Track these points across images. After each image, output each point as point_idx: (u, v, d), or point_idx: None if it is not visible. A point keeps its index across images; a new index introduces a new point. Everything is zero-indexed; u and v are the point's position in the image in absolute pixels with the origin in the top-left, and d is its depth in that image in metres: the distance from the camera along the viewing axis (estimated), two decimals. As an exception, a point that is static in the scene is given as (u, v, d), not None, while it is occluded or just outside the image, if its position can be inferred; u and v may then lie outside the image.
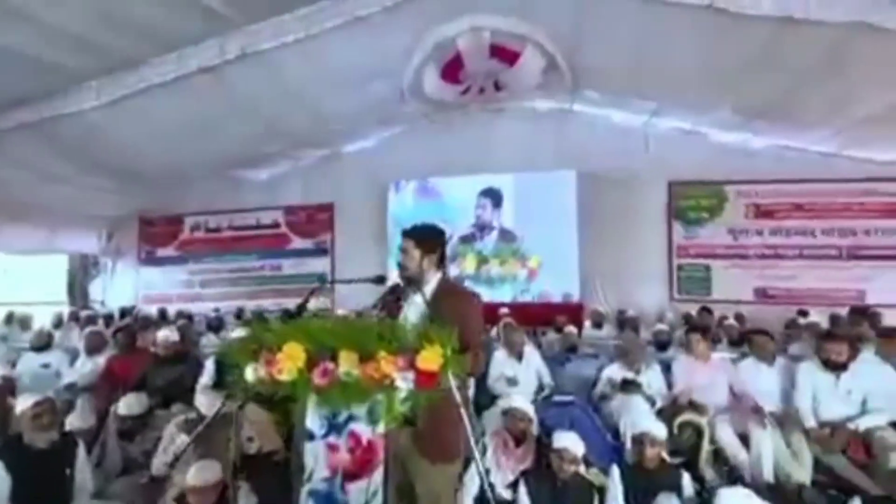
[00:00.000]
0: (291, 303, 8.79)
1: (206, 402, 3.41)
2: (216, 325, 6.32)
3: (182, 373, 4.20)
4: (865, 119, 6.63)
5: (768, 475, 3.05)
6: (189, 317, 7.81)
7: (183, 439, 3.02)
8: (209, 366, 4.08)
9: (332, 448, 1.42)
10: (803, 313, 6.68)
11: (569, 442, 2.36)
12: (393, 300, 2.14)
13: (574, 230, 7.87)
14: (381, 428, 1.39)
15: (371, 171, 9.01)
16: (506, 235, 8.26)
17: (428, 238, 2.09)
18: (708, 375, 3.44)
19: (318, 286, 2.40)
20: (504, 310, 6.44)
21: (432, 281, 2.03)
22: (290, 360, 1.36)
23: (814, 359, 3.44)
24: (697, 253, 8.16)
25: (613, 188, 8.11)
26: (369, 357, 1.32)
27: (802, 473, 3.04)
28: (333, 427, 1.42)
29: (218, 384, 3.91)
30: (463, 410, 1.38)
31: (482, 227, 8.22)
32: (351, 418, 1.40)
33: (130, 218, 10.07)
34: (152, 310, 8.96)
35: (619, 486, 2.38)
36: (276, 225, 9.66)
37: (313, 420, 1.44)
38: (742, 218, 8.07)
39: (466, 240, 8.31)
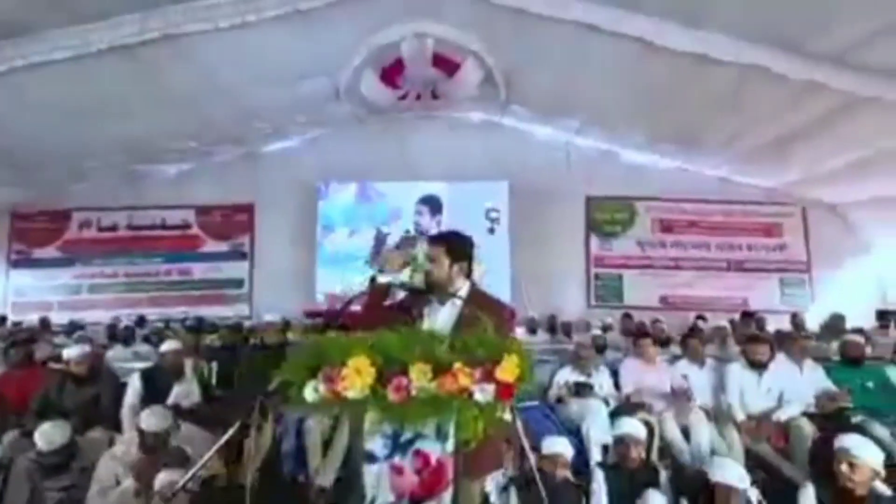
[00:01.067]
0: (203, 311, 8.13)
1: (154, 422, 2.95)
2: (125, 335, 5.57)
3: (98, 392, 3.64)
4: (753, 150, 7.67)
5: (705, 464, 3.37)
6: (80, 326, 6.80)
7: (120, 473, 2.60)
8: (135, 383, 3.59)
9: (397, 470, 1.30)
10: (702, 318, 7.49)
11: (561, 447, 2.42)
12: (406, 307, 2.03)
13: (506, 239, 8.12)
14: (450, 446, 1.31)
15: (297, 172, 8.57)
16: (422, 242, 8.29)
17: (458, 245, 2.02)
18: (655, 376, 3.74)
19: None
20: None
21: (462, 290, 1.96)
22: (357, 376, 1.23)
23: (739, 359, 3.91)
24: (611, 263, 8.82)
25: (539, 200, 8.51)
26: (443, 370, 1.24)
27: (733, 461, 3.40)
28: (398, 447, 1.30)
29: (147, 403, 3.44)
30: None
31: (421, 234, 8.17)
32: (417, 437, 1.30)
33: None
34: (31, 319, 7.65)
35: (603, 488, 2.49)
36: (186, 225, 8.77)
37: (374, 440, 1.31)
38: (649, 232, 8.89)
39: (400, 246, 8.19)
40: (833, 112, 6.11)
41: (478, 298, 1.95)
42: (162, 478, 2.41)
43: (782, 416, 3.55)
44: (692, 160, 8.67)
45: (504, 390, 1.26)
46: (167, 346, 3.87)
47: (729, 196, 8.78)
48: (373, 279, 2.17)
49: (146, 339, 5.81)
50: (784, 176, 8.35)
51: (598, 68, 6.45)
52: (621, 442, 2.60)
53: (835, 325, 6.16)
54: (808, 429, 3.37)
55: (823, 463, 2.67)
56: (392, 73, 6.86)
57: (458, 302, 1.90)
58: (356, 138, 8.45)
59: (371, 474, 1.30)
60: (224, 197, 8.79)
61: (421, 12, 5.94)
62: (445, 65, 6.75)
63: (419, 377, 1.23)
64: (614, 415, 3.57)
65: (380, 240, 8.19)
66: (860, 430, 3.45)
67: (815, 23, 4.82)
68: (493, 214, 8.28)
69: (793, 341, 4.03)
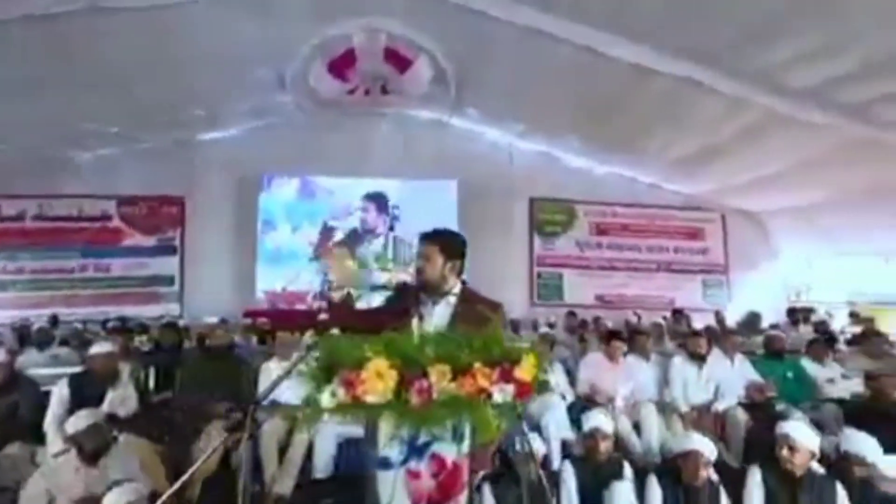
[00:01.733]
0: (127, 310, 7.47)
1: (84, 423, 2.63)
2: (40, 338, 4.96)
3: (15, 402, 3.24)
4: (682, 159, 8.25)
5: (656, 455, 3.59)
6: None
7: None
8: (62, 390, 3.22)
9: (414, 475, 1.26)
10: (637, 316, 7.96)
11: (538, 443, 2.47)
12: (401, 309, 1.97)
13: (454, 238, 8.16)
14: (465, 447, 1.29)
15: (235, 163, 8.10)
16: (394, 241, 8.16)
17: (452, 243, 1.98)
18: (614, 373, 3.91)
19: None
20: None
21: (455, 289, 1.93)
22: (378, 380, 1.17)
23: (678, 354, 4.19)
24: (553, 263, 9.15)
25: (486, 200, 8.65)
26: (463, 371, 1.22)
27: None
28: (414, 451, 1.26)
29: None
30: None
31: (367, 231, 8.00)
32: (433, 440, 1.27)
33: None
34: None
35: (573, 480, 2.57)
36: (105, 217, 8.01)
37: (388, 445, 1.26)
38: (587, 234, 9.31)
39: (346, 244, 7.99)
40: (754, 127, 6.70)
41: (470, 297, 1.94)
42: (112, 499, 2.17)
43: (720, 406, 3.84)
44: (627, 166, 9.18)
45: (522, 390, 1.26)
46: (97, 348, 3.51)
47: (658, 201, 9.40)
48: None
49: (64, 342, 5.24)
50: (707, 184, 9.06)
51: (545, 74, 6.65)
52: (591, 436, 2.70)
53: (752, 322, 6.77)
54: (742, 417, 3.68)
55: (761, 447, 2.92)
56: (342, 65, 6.67)
57: (452, 300, 1.87)
58: (300, 131, 8.12)
59: (386, 480, 1.25)
60: (151, 187, 8.12)
61: (376, 6, 5.83)
62: (397, 61, 6.67)
63: (440, 379, 1.19)
64: (569, 409, 3.69)
65: (325, 235, 7.93)
66: (783, 417, 3.83)
67: (745, 43, 5.26)
68: (442, 213, 8.26)
69: (725, 337, 4.38)
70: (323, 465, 3.46)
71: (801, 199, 8.44)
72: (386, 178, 8.37)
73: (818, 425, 3.83)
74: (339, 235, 7.99)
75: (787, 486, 2.39)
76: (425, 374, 1.20)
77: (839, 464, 2.46)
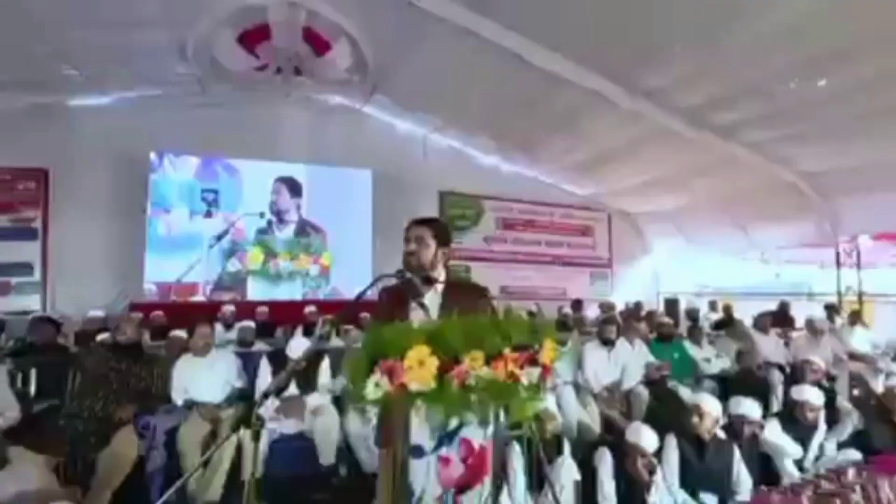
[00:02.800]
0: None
1: None
2: None
3: None
4: (578, 163, 9.00)
5: (574, 432, 3.94)
6: None
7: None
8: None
9: (445, 461, 1.26)
10: (537, 306, 8.54)
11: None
12: (394, 297, 1.93)
13: (369, 229, 8.02)
14: (490, 431, 1.33)
15: (118, 136, 7.08)
16: (306, 228, 7.74)
17: (444, 230, 1.98)
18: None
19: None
20: (311, 308, 6.09)
21: (442, 276, 1.94)
22: (420, 367, 1.16)
23: (593, 339, 4.64)
24: (461, 255, 9.42)
25: (398, 191, 8.62)
26: (495, 356, 1.25)
27: (595, 427, 4.04)
28: (445, 437, 1.27)
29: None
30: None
31: (279, 218, 7.49)
32: (462, 425, 1.29)
33: None
34: None
35: (521, 458, 2.74)
36: (-61, 190, 6.56)
37: (421, 434, 1.25)
38: (493, 228, 9.74)
39: (258, 231, 7.42)
40: (640, 139, 7.56)
41: (458, 283, 1.97)
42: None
43: (626, 385, 4.32)
44: (529, 167, 9.77)
45: (546, 373, 1.34)
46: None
47: (554, 200, 10.15)
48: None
49: None
50: (598, 187, 10.01)
51: (466, 72, 6.81)
52: (538, 417, 2.88)
53: (635, 310, 7.64)
54: (644, 394, 4.17)
55: (661, 418, 3.36)
56: (253, 38, 6.20)
57: (440, 288, 1.90)
58: (199, 106, 7.35)
59: (418, 469, 1.25)
60: (4, 157, 6.82)
61: (299, -20, 5.51)
62: (316, 42, 6.37)
63: (474, 365, 1.23)
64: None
65: (230, 221, 7.30)
66: (675, 393, 4.42)
67: (642, 64, 5.92)
68: (355, 202, 8.06)
69: (628, 324, 4.91)
70: (252, 466, 3.25)
71: (669, 203, 9.70)
72: (294, 162, 7.91)
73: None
74: (245, 221, 7.38)
75: (696, 448, 2.79)
76: (458, 361, 1.22)
77: (732, 426, 2.93)
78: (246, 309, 6.09)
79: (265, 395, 1.56)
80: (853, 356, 5.52)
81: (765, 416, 3.53)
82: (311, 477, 3.37)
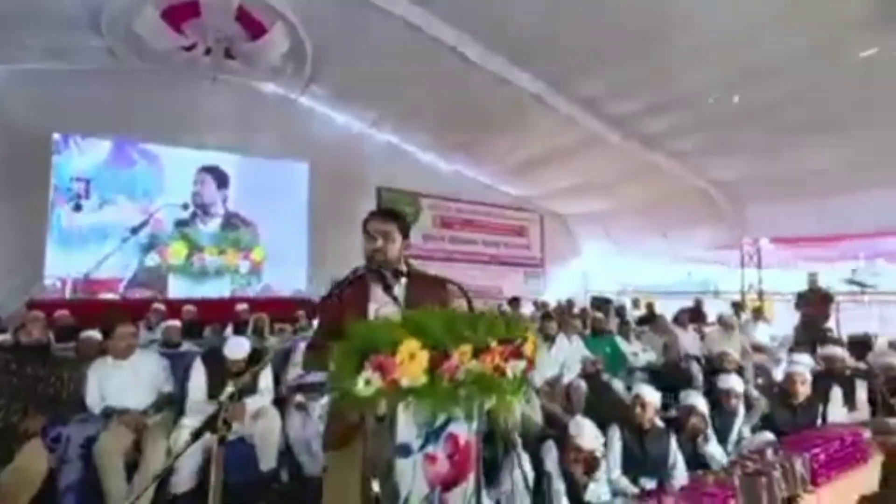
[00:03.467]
0: None
1: None
2: None
3: None
4: (514, 165, 9.24)
5: (517, 425, 4.02)
6: None
7: None
8: None
9: (431, 459, 1.21)
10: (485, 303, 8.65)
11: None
12: (356, 291, 1.83)
13: (304, 223, 7.69)
14: (475, 425, 1.29)
15: (13, 113, 6.26)
16: (234, 221, 7.24)
17: (405, 223, 1.90)
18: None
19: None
20: (243, 306, 5.73)
21: (403, 269, 1.87)
22: (413, 362, 1.10)
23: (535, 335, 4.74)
24: (398, 253, 9.32)
25: (335, 186, 8.37)
26: (483, 350, 1.22)
27: (536, 419, 4.15)
28: (431, 435, 1.21)
29: None
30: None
31: (203, 210, 6.94)
32: (448, 420, 1.24)
33: None
34: None
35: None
36: None
37: (408, 431, 1.18)
38: (431, 227, 9.74)
39: (180, 224, 6.83)
40: (575, 144, 7.90)
41: (420, 276, 1.91)
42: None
43: (565, 379, 4.47)
44: (467, 166, 9.89)
45: (529, 366, 1.33)
46: None
47: (491, 200, 10.36)
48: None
49: None
50: (532, 189, 10.34)
51: (408, 67, 6.75)
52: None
53: (568, 308, 7.96)
54: (584, 388, 4.35)
55: (598, 410, 3.52)
56: (180, 14, 5.74)
57: (404, 281, 1.83)
58: (113, 84, 6.67)
59: (406, 469, 1.19)
60: None
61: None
62: (251, 24, 6.02)
63: (463, 359, 1.20)
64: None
65: (148, 212, 6.68)
66: (608, 385, 4.65)
67: (582, 72, 6.18)
68: (290, 196, 7.70)
69: (565, 320, 5.10)
70: (185, 477, 2.99)
71: (597, 206, 10.24)
72: (222, 151, 7.41)
73: (629, 388, 4.75)
74: (165, 212, 6.80)
75: (637, 437, 2.94)
76: (447, 355, 1.18)
77: (677, 419, 3.12)
78: (169, 307, 5.60)
79: (231, 397, 1.42)
80: (756, 348, 6.11)
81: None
82: (251, 484, 3.16)
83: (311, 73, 7.39)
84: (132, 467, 2.90)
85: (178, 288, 6.66)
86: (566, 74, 6.28)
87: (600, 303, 8.49)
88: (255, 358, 3.40)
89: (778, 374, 5.56)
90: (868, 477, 3.05)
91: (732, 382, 3.32)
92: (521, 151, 8.74)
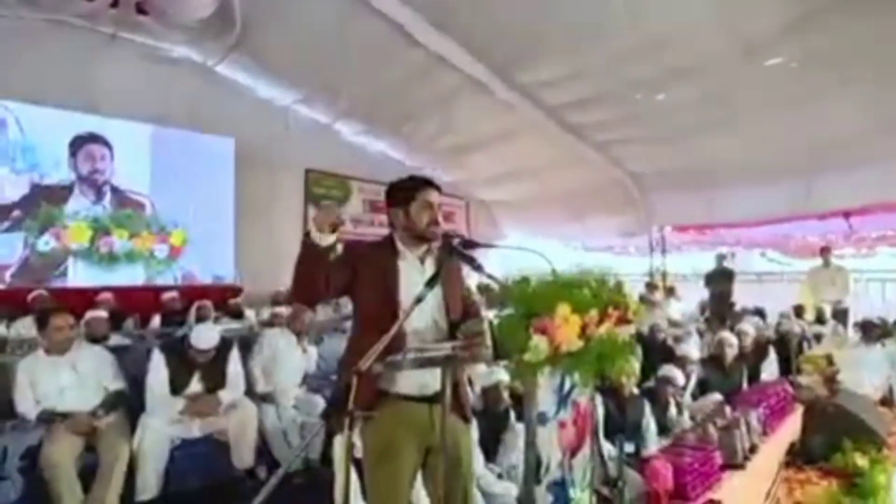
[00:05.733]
0: None
1: None
2: None
3: None
4: (444, 149, 9.27)
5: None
6: None
7: None
8: None
9: (562, 425, 1.18)
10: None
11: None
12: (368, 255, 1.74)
13: (231, 205, 7.02)
14: (588, 390, 1.29)
15: None
16: (138, 200, 6.37)
17: None
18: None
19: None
20: (171, 294, 5.10)
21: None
22: (568, 326, 1.05)
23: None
24: (328, 237, 8.94)
25: (260, 165, 7.80)
26: (602, 314, 1.22)
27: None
28: (562, 401, 1.18)
29: None
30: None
31: (94, 186, 5.95)
32: (573, 387, 1.22)
33: None
34: None
35: (475, 431, 2.75)
36: None
37: (546, 399, 1.14)
38: (360, 210, 9.47)
39: (55, 200, 5.79)
40: (507, 132, 8.12)
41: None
42: None
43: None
44: (397, 148, 9.69)
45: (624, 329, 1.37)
46: None
47: (420, 185, 10.29)
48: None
49: None
50: (460, 174, 10.44)
51: (342, 42, 6.42)
52: (496, 388, 2.91)
53: (498, 297, 8.24)
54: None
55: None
56: (87, -43, 4.91)
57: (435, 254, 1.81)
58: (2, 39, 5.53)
59: (544, 436, 1.16)
60: None
61: None
62: (174, -23, 5.33)
63: (592, 324, 1.20)
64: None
65: (37, 190, 5.64)
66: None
67: (524, 59, 6.34)
68: (213, 174, 6.98)
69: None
70: (150, 482, 2.65)
71: (520, 193, 10.64)
72: (130, 119, 6.50)
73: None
74: (63, 189, 5.81)
75: (618, 402, 3.16)
76: (587, 320, 1.18)
77: (654, 387, 3.40)
78: (79, 297, 4.83)
79: (351, 377, 1.27)
80: (671, 322, 6.82)
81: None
82: (223, 484, 2.89)
83: (235, 40, 6.73)
84: (87, 476, 2.50)
85: (81, 276, 5.75)
86: (507, 60, 6.40)
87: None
88: (223, 348, 3.09)
89: (691, 347, 6.29)
90: (794, 424, 3.57)
91: (690, 350, 3.68)
92: (453, 136, 8.78)
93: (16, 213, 5.45)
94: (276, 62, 7.38)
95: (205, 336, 2.92)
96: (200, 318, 4.35)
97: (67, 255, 5.69)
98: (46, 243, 5.59)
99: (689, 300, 8.58)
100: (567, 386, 1.24)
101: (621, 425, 3.15)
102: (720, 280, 7.00)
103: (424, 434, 1.54)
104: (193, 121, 7.04)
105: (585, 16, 5.26)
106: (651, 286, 8.15)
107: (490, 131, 8.34)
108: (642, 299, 6.92)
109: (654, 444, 3.22)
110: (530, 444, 1.14)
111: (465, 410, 1.71)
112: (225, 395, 2.94)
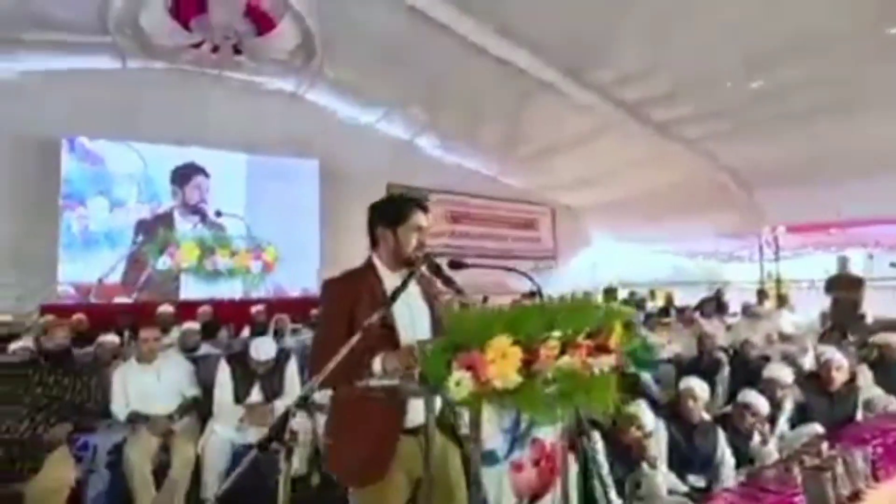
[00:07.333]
0: None
1: None
2: None
3: None
4: (522, 156, 9.11)
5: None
6: None
7: None
8: None
9: (517, 467, 1.10)
10: (486, 299, 8.53)
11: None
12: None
13: (316, 222, 7.56)
14: (559, 426, 1.18)
15: (18, 114, 6.09)
16: (246, 223, 7.15)
17: None
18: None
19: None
20: (258, 307, 5.62)
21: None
22: (504, 361, 0.98)
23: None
24: (409, 250, 9.18)
25: (344, 183, 8.25)
26: (570, 345, 1.11)
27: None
28: (516, 440, 1.10)
29: None
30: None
31: (198, 211, 6.81)
32: (533, 424, 1.13)
33: None
34: None
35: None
36: None
37: (494, 437, 1.07)
38: (440, 222, 9.61)
39: (168, 224, 6.68)
40: (585, 132, 7.76)
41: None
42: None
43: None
44: (472, 159, 9.72)
45: (618, 360, 1.22)
46: None
47: (496, 193, 10.23)
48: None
49: None
50: (541, 180, 10.19)
51: (417, 59, 6.61)
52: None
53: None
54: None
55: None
56: (188, 11, 5.62)
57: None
58: (119, 84, 6.53)
59: (492, 477, 1.08)
60: None
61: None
62: (260, 18, 5.89)
63: (550, 355, 1.08)
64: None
65: (162, 216, 6.56)
66: (637, 377, 4.53)
67: (596, 57, 6.03)
68: (300, 194, 7.57)
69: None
70: (213, 483, 2.89)
71: (605, 197, 10.07)
72: (231, 150, 7.28)
73: (658, 381, 4.65)
74: (177, 215, 6.69)
75: (684, 431, 2.83)
76: (536, 352, 1.07)
77: (728, 414, 3.01)
78: (183, 310, 5.49)
79: (299, 405, 1.30)
80: (783, 336, 5.97)
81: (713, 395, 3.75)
82: (277, 490, 3.06)
83: (318, 68, 7.25)
84: (160, 474, 2.81)
85: (191, 290, 6.56)
86: (578, 61, 6.13)
87: (611, 295, 8.35)
88: (282, 359, 3.30)
89: (805, 363, 5.46)
90: (925, 469, 2.92)
91: (778, 372, 3.20)
92: (530, 142, 8.62)
93: (140, 237, 6.38)
94: (356, 84, 7.82)
95: (262, 348, 3.15)
96: (278, 331, 4.71)
97: (180, 272, 6.52)
98: (164, 263, 6.45)
99: (811, 310, 7.47)
100: (525, 423, 1.13)
101: (689, 456, 2.83)
102: (843, 287, 6.01)
103: (414, 465, 1.49)
104: (283, 146, 7.69)
105: (656, 4, 4.87)
106: (762, 294, 7.24)
107: (568, 134, 8.04)
108: (745, 311, 6.18)
109: (730, 479, 2.83)
110: (476, 485, 1.06)
111: (459, 432, 1.63)
112: (278, 405, 3.13)
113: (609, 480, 2.65)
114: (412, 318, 1.68)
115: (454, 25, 5.76)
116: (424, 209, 1.75)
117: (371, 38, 6.32)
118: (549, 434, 1.17)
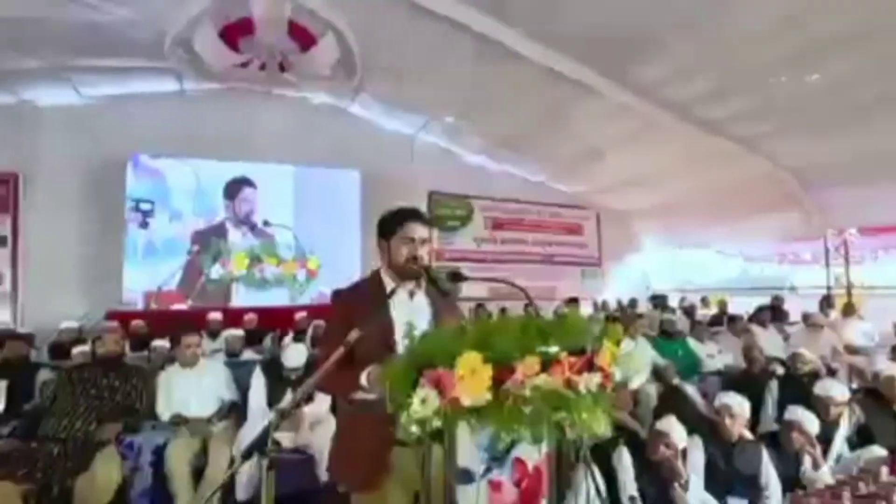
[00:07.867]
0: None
1: None
2: None
3: None
4: (565, 160, 8.93)
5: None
6: None
7: None
8: None
9: (496, 487, 1.09)
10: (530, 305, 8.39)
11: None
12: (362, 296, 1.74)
13: (357, 231, 7.77)
14: (545, 446, 1.15)
15: (93, 136, 6.70)
16: (291, 232, 7.47)
17: None
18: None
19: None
20: (301, 313, 5.83)
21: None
22: (472, 377, 0.98)
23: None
24: (451, 257, 9.24)
25: (387, 192, 8.37)
26: (551, 362, 1.09)
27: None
28: (495, 459, 1.09)
29: None
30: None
31: (248, 222, 7.18)
32: (514, 443, 1.11)
33: None
34: None
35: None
36: None
37: (470, 456, 1.07)
38: (483, 228, 9.60)
39: (220, 234, 7.07)
40: (630, 134, 7.50)
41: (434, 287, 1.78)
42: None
43: (633, 385, 4.18)
44: (517, 166, 9.65)
45: (606, 378, 1.17)
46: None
47: (542, 199, 10.08)
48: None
49: None
50: (585, 184, 9.95)
51: (454, 67, 6.65)
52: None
53: (630, 308, 7.57)
54: (652, 393, 4.05)
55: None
56: (236, 33, 5.93)
57: (423, 285, 1.73)
58: (176, 105, 7.06)
59: (468, 497, 1.07)
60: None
61: (281, -29, 5.28)
62: (302, 36, 6.12)
63: (529, 373, 1.05)
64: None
65: (216, 227, 6.98)
66: (682, 392, 4.31)
67: (637, 56, 5.82)
68: (343, 204, 7.79)
69: (629, 320, 4.80)
70: (246, 486, 3.01)
71: (655, 199, 9.67)
72: (279, 163, 7.63)
73: (704, 394, 4.39)
74: (228, 226, 7.09)
75: (723, 450, 2.66)
76: (511, 369, 1.05)
77: (775, 433, 2.82)
78: (232, 316, 5.80)
79: (282, 415, 1.35)
80: (850, 349, 5.50)
81: (758, 409, 3.52)
82: (310, 494, 3.14)
83: (360, 81, 7.46)
84: (199, 474, 2.96)
85: (241, 297, 6.92)
86: (618, 61, 5.94)
87: (658, 301, 7.98)
88: (313, 365, 3.40)
89: (834, 385, 4.99)
90: None
91: (833, 390, 2.94)
92: (572, 146, 8.42)
93: (195, 247, 6.80)
94: (397, 95, 7.97)
95: (292, 355, 3.27)
96: (315, 337, 4.85)
97: (232, 280, 6.88)
98: (217, 272, 6.84)
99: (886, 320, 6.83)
100: (506, 442, 1.10)
101: (728, 477, 2.66)
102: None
103: (411, 478, 1.50)
104: (327, 158, 7.97)
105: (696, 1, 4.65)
106: (825, 302, 6.69)
107: (610, 136, 7.82)
108: (804, 320, 5.75)
109: (776, 500, 2.64)
110: (451, 503, 1.05)
111: None
112: (309, 411, 3.23)
113: (639, 502, 2.54)
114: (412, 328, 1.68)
115: (492, 33, 5.76)
116: (422, 220, 1.76)
117: (409, 49, 6.43)
118: (532, 455, 1.13)
